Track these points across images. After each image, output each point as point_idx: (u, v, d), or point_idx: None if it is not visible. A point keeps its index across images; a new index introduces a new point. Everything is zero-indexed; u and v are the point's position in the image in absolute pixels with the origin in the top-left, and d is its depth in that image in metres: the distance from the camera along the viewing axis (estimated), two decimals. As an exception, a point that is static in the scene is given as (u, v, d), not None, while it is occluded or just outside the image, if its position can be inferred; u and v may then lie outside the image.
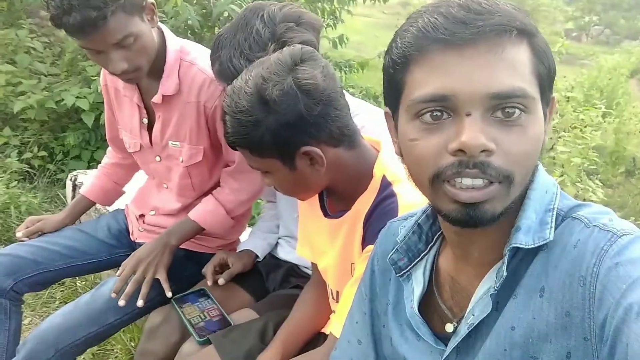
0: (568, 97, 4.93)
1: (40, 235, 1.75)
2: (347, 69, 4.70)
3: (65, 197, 3.00)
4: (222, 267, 1.60)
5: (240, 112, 1.01)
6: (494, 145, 0.62)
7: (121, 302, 1.44)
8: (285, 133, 1.01)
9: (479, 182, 0.63)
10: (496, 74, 0.62)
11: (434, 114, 0.64)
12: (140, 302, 1.44)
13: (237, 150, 1.10)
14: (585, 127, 3.77)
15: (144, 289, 1.46)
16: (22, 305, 1.69)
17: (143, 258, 1.50)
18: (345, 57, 6.42)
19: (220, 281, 1.53)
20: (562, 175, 3.29)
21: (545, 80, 0.67)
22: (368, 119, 1.37)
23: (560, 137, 4.09)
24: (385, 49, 0.72)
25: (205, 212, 1.60)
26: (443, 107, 0.64)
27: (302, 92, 0.99)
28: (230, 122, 1.04)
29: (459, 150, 0.62)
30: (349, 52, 8.29)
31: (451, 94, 0.62)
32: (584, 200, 3.37)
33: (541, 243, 0.67)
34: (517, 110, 0.63)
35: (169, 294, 1.48)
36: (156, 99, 1.54)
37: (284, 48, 1.06)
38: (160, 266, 1.51)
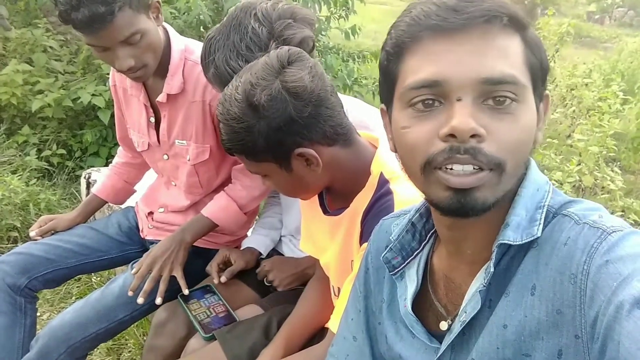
0: (587, 83, 4.82)
1: (53, 234, 1.79)
2: (360, 59, 4.68)
3: (80, 194, 3.05)
4: (226, 264, 1.62)
5: (232, 119, 1.02)
6: (484, 130, 0.62)
7: (139, 300, 1.47)
8: (278, 136, 1.01)
9: (469, 168, 0.62)
10: (487, 60, 0.63)
11: (426, 101, 0.65)
12: (158, 300, 1.47)
13: (234, 156, 1.10)
14: (603, 114, 3.70)
15: (162, 287, 1.48)
16: (37, 302, 1.73)
17: (159, 256, 1.52)
18: (361, 47, 6.38)
19: (222, 279, 1.55)
20: (579, 164, 3.24)
21: (537, 73, 0.67)
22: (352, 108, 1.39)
23: (579, 124, 4.02)
24: None
25: (218, 208, 1.61)
26: (434, 95, 0.64)
27: (291, 95, 0.99)
28: (224, 130, 1.05)
29: (450, 135, 0.62)
30: (365, 41, 8.23)
31: (442, 79, 0.63)
32: (602, 188, 3.32)
33: (529, 239, 0.67)
34: (507, 99, 0.63)
35: (185, 292, 1.50)
36: (161, 97, 1.55)
37: (272, 51, 1.05)
38: (176, 264, 1.53)
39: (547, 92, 0.72)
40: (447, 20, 0.63)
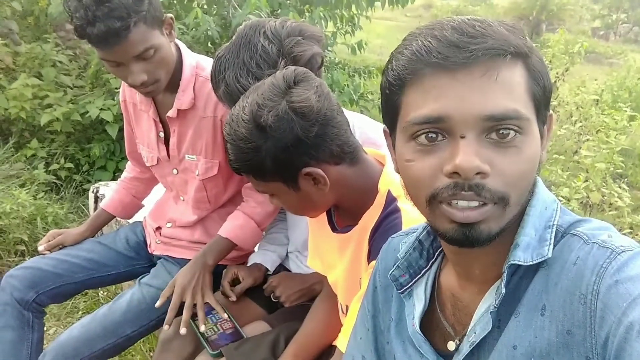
0: (597, 101, 4.82)
1: (61, 248, 1.80)
2: (366, 74, 4.71)
3: (88, 208, 3.06)
4: (234, 282, 1.62)
5: (239, 140, 1.03)
6: (488, 167, 0.62)
7: (182, 331, 1.41)
8: (285, 157, 1.02)
9: (474, 203, 0.63)
10: (490, 96, 0.62)
11: (429, 135, 0.65)
12: (202, 327, 1.43)
13: (242, 175, 1.11)
14: (610, 131, 3.69)
15: (201, 315, 1.45)
16: (45, 317, 1.73)
17: (187, 284, 1.49)
18: (367, 62, 6.43)
19: (232, 298, 1.55)
20: (586, 181, 3.23)
21: (541, 100, 0.67)
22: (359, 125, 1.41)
23: (586, 141, 4.01)
24: None
25: (235, 227, 1.61)
26: (438, 129, 0.64)
27: (297, 115, 1.00)
28: (231, 150, 1.06)
29: (454, 172, 0.62)
30: (370, 56, 8.28)
31: (445, 116, 0.63)
32: (610, 204, 3.30)
33: (539, 260, 0.67)
34: (511, 132, 0.63)
35: (224, 316, 1.47)
36: (171, 113, 1.57)
37: (278, 72, 1.06)
38: (206, 289, 1.51)
39: (550, 112, 0.71)
40: (449, 59, 0.62)
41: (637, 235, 3.01)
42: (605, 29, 16.49)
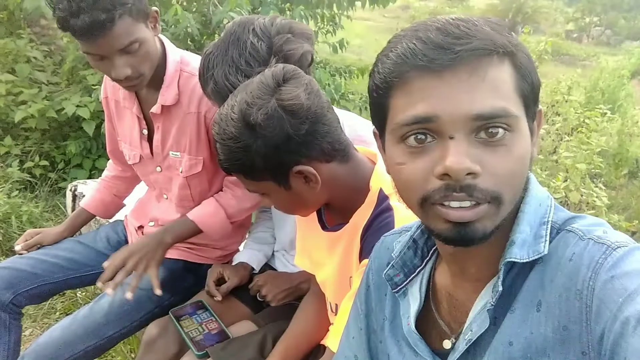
0: (567, 101, 4.90)
1: (39, 248, 1.75)
2: (347, 74, 4.71)
3: (65, 206, 3.00)
4: (219, 281, 1.60)
5: (229, 139, 1.01)
6: (479, 167, 0.61)
7: (108, 291, 1.39)
8: (276, 155, 1.00)
9: (467, 203, 0.63)
10: (478, 95, 0.62)
11: (418, 137, 0.64)
12: (129, 295, 1.40)
13: (232, 175, 1.09)
14: (590, 132, 3.75)
15: (134, 282, 1.42)
16: (22, 318, 1.68)
17: (135, 252, 1.45)
18: (346, 62, 6.43)
19: (218, 297, 1.53)
20: (565, 181, 3.28)
21: (529, 96, 0.66)
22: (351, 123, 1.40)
23: (562, 140, 4.08)
24: None
25: (205, 213, 1.58)
26: (427, 130, 0.64)
27: (287, 113, 0.99)
28: (221, 150, 1.04)
29: (445, 174, 0.62)
30: (349, 56, 8.30)
31: (433, 115, 0.62)
32: (588, 204, 3.36)
33: (536, 257, 0.67)
34: (500, 130, 0.62)
35: (158, 292, 1.42)
36: (155, 109, 1.54)
37: (267, 70, 1.05)
38: (152, 262, 1.46)
39: (540, 108, 0.71)
40: (434, 62, 0.61)
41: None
42: (578, 31, 16.85)
